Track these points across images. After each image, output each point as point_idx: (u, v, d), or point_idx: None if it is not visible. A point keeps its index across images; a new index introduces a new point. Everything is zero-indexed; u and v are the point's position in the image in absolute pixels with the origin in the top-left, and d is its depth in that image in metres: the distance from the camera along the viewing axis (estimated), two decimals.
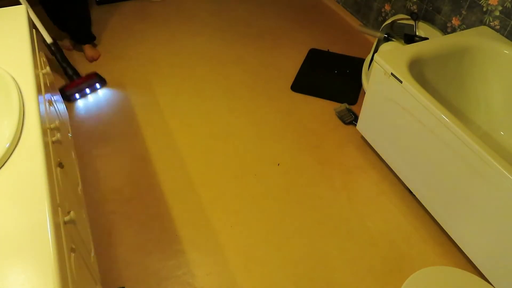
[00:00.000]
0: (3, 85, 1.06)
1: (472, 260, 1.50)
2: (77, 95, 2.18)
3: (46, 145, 0.97)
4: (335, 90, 2.32)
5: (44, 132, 1.00)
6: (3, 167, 0.89)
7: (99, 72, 2.33)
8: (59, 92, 1.95)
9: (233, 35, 2.74)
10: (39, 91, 1.11)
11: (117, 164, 1.88)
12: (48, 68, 1.39)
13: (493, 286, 1.14)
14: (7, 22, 1.32)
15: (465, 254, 1.56)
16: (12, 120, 0.96)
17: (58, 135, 1.12)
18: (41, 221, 0.79)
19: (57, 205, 0.89)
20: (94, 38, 2.51)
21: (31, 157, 0.91)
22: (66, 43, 2.51)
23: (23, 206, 0.81)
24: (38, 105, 1.04)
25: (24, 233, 0.77)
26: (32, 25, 1.38)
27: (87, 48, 2.46)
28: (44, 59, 1.48)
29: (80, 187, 1.56)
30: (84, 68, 2.40)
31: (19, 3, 1.42)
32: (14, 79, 1.08)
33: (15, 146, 0.93)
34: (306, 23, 2.89)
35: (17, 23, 1.32)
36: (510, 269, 1.34)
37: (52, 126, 1.13)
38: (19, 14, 1.36)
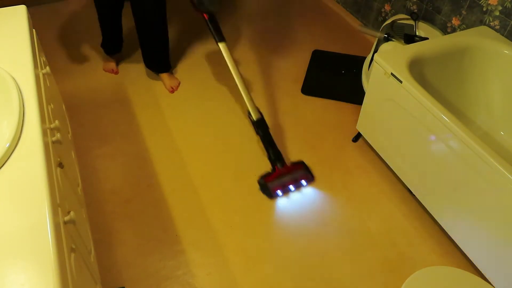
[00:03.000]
0: (3, 85, 1.05)
1: (472, 260, 1.50)
2: (279, 192, 1.76)
3: (46, 145, 0.97)
4: (345, 90, 2.32)
5: (44, 132, 1.00)
6: (3, 167, 0.89)
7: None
8: (259, 180, 1.75)
9: (233, 35, 2.74)
10: (39, 91, 1.11)
11: (117, 164, 1.88)
12: (48, 68, 1.39)
13: (493, 286, 1.14)
14: (7, 22, 1.32)
15: (465, 254, 1.55)
16: (12, 120, 0.96)
17: (58, 135, 1.12)
18: (41, 221, 0.79)
19: (57, 205, 0.89)
20: (170, 66, 2.30)
21: (31, 157, 0.90)
22: (111, 66, 2.31)
23: (23, 206, 0.81)
24: (38, 105, 1.04)
25: (24, 233, 0.77)
26: (32, 25, 1.38)
27: (165, 77, 2.27)
28: (44, 59, 1.48)
29: (80, 187, 1.56)
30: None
31: (19, 3, 1.42)
32: (14, 79, 1.08)
33: (15, 146, 0.93)
34: (306, 23, 2.89)
35: (17, 23, 1.32)
36: (510, 269, 1.34)
37: (52, 126, 1.13)
38: (19, 14, 1.36)
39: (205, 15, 1.73)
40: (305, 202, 1.74)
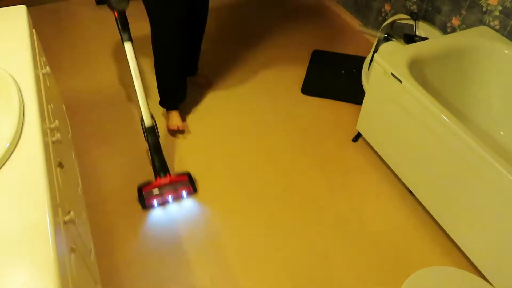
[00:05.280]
0: (3, 85, 1.05)
1: (472, 260, 1.50)
2: (155, 203, 1.71)
3: (46, 145, 0.97)
4: (345, 90, 2.32)
5: (44, 132, 1.00)
6: (3, 167, 0.89)
7: None
8: (137, 188, 1.71)
9: (233, 35, 2.74)
10: (39, 91, 1.11)
11: (117, 164, 1.88)
12: (48, 68, 1.39)
13: (493, 286, 1.14)
14: (7, 22, 1.32)
15: (465, 254, 1.55)
16: (12, 120, 0.96)
17: (58, 135, 1.12)
18: (41, 221, 0.79)
19: (57, 205, 0.89)
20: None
21: (31, 157, 0.90)
22: (176, 121, 2.02)
23: (23, 206, 0.81)
24: (38, 105, 1.04)
25: (24, 233, 0.77)
26: (32, 25, 1.38)
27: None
28: (44, 59, 1.48)
29: (80, 187, 1.56)
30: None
31: (19, 3, 1.42)
32: (14, 79, 1.08)
33: (15, 146, 0.93)
34: (306, 24, 2.89)
35: (17, 23, 1.32)
36: (510, 269, 1.34)
37: (52, 126, 1.13)
38: (19, 14, 1.36)
39: (115, 12, 1.72)
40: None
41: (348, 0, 2.88)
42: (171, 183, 1.73)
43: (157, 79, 1.99)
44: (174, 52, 1.87)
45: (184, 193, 1.74)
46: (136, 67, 1.69)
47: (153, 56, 1.90)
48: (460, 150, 1.38)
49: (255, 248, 1.60)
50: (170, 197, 1.72)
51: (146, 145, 1.96)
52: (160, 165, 1.71)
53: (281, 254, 1.58)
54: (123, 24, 1.73)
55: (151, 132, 1.72)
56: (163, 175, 1.69)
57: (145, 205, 1.69)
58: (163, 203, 1.72)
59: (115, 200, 1.73)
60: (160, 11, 1.75)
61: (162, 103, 2.06)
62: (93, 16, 2.85)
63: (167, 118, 2.05)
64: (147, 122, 1.70)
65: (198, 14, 1.96)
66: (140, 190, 1.72)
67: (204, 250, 1.58)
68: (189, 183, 1.77)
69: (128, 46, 1.70)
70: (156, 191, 1.73)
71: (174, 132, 2.03)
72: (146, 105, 1.69)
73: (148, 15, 1.81)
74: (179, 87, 2.02)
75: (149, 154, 1.74)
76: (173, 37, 1.82)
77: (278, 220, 1.69)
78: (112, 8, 1.72)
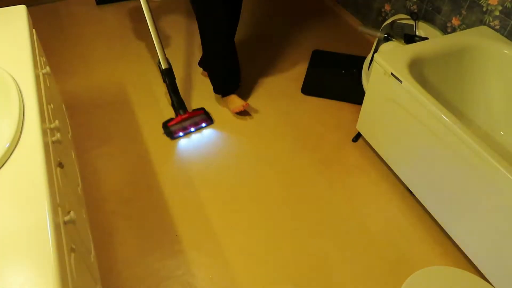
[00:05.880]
0: (3, 85, 1.06)
1: (472, 260, 1.50)
2: (181, 133, 2.01)
3: (46, 145, 0.97)
4: (345, 90, 2.32)
5: (44, 132, 1.00)
6: (3, 167, 0.89)
7: None
8: (163, 125, 1.99)
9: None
10: (39, 91, 1.11)
11: (117, 164, 1.88)
12: (48, 68, 1.39)
13: (493, 286, 1.14)
14: (7, 22, 1.32)
15: (465, 254, 1.55)
16: (12, 120, 0.96)
17: (58, 135, 1.12)
18: (41, 221, 0.79)
19: (57, 205, 0.89)
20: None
21: (31, 157, 0.90)
22: (239, 101, 2.10)
23: (23, 206, 0.81)
24: (38, 105, 1.04)
25: (24, 233, 0.77)
26: (32, 25, 1.38)
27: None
28: (44, 59, 1.48)
29: (80, 187, 1.56)
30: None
31: (19, 3, 1.42)
32: (14, 79, 1.08)
33: (15, 146, 0.93)
34: (306, 24, 2.89)
35: (17, 23, 1.32)
36: (510, 269, 1.34)
37: (52, 126, 1.13)
38: (19, 14, 1.36)
39: None
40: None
41: (348, 0, 2.88)
42: (190, 117, 2.04)
43: (211, 69, 2.16)
44: (226, 40, 2.01)
45: (203, 124, 2.05)
46: (149, 12, 1.80)
47: (203, 49, 2.09)
48: (460, 150, 1.38)
49: (255, 248, 1.60)
50: (192, 128, 2.03)
51: (147, 146, 1.97)
52: (178, 103, 2.02)
53: (281, 254, 1.58)
54: None
55: (169, 74, 1.95)
56: (182, 111, 2.01)
57: (173, 136, 1.98)
58: (187, 133, 2.01)
59: (115, 200, 1.74)
60: (210, 3, 1.86)
61: (218, 90, 2.17)
62: (93, 16, 2.85)
63: (226, 103, 2.16)
64: (164, 65, 1.90)
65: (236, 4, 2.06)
66: (165, 124, 2.01)
67: (204, 250, 1.58)
68: (205, 115, 2.08)
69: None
70: (179, 125, 2.01)
71: (241, 113, 2.14)
72: (161, 49, 1.86)
73: (196, 10, 1.93)
74: (234, 70, 2.13)
75: (168, 94, 2.02)
76: (225, 26, 1.95)
77: (278, 220, 1.69)
78: None
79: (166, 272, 1.51)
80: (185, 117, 2.02)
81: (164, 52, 1.89)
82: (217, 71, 2.12)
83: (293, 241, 1.62)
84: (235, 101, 2.11)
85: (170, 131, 1.99)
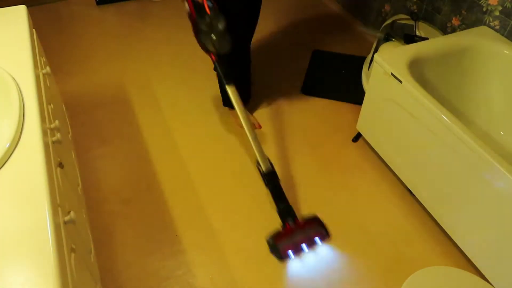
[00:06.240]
0: (3, 85, 1.06)
1: (472, 260, 1.50)
2: (290, 253, 1.52)
3: (46, 145, 0.97)
4: (345, 90, 2.32)
5: (44, 132, 1.00)
6: (3, 167, 0.89)
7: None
8: (268, 240, 1.51)
9: None
10: (39, 91, 1.11)
11: (117, 164, 1.88)
12: (48, 68, 1.39)
13: (493, 286, 1.14)
14: (7, 22, 1.32)
15: (465, 254, 1.55)
16: (12, 120, 0.96)
17: (58, 135, 1.12)
18: (41, 221, 0.79)
19: (57, 205, 0.89)
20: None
21: (31, 157, 0.91)
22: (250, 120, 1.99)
23: (23, 206, 0.81)
24: (38, 105, 1.04)
25: (24, 233, 0.77)
26: (32, 25, 1.38)
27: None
28: (44, 59, 1.48)
29: (80, 187, 1.56)
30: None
31: (19, 3, 1.42)
32: (14, 79, 1.08)
33: (15, 146, 0.93)
34: (306, 24, 2.89)
35: (17, 23, 1.32)
36: (510, 269, 1.34)
37: (52, 126, 1.13)
38: (19, 14, 1.36)
39: (212, 56, 1.53)
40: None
41: (348, 0, 2.88)
42: (302, 229, 1.55)
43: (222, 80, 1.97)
44: (242, 49, 1.87)
45: (317, 239, 1.55)
46: (242, 109, 1.56)
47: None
48: (460, 150, 1.38)
49: (255, 248, 1.60)
50: (304, 245, 1.53)
51: (147, 146, 1.97)
52: (286, 211, 1.57)
53: None
54: (223, 67, 1.56)
55: (271, 178, 1.59)
56: (291, 222, 1.54)
57: (282, 257, 1.51)
58: (298, 252, 1.54)
59: (115, 200, 1.74)
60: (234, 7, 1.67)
61: (228, 103, 2.05)
62: (93, 16, 2.86)
63: (235, 117, 2.06)
64: (264, 166, 1.57)
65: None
66: (272, 242, 1.51)
67: (204, 250, 1.58)
68: (321, 227, 1.56)
69: (230, 89, 1.56)
70: (288, 241, 1.53)
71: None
72: (259, 148, 1.56)
73: None
74: (246, 83, 2.03)
75: (272, 199, 1.60)
76: (241, 33, 1.79)
77: (278, 220, 1.69)
78: (208, 52, 1.51)
79: (166, 272, 1.51)
80: (291, 231, 1.54)
81: (262, 150, 1.58)
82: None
83: None
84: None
85: (278, 249, 1.51)
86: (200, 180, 1.83)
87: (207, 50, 1.52)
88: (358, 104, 2.11)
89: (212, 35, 1.48)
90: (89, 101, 2.20)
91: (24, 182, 0.85)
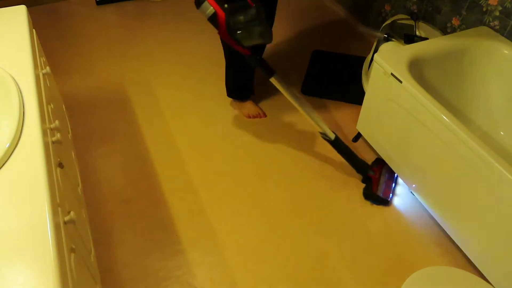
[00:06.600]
0: (3, 85, 1.06)
1: (472, 260, 1.50)
2: (390, 194, 1.79)
3: (46, 145, 0.97)
4: (345, 90, 2.32)
5: (44, 132, 1.00)
6: (3, 167, 0.89)
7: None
8: (368, 195, 1.76)
9: None
10: (39, 91, 1.11)
11: (117, 164, 1.88)
12: (48, 68, 1.39)
13: (493, 286, 1.14)
14: (7, 22, 1.32)
15: (465, 254, 1.55)
16: (12, 120, 0.96)
17: (58, 135, 1.12)
18: (41, 221, 0.79)
19: (57, 205, 0.89)
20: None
21: (31, 157, 0.91)
22: (254, 109, 2.14)
23: (23, 206, 0.81)
24: (38, 105, 1.04)
25: (24, 233, 0.77)
26: (32, 25, 1.38)
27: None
28: (44, 59, 1.48)
29: (80, 187, 1.56)
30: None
31: (19, 3, 1.42)
32: (14, 79, 1.08)
33: (15, 146, 0.93)
34: (306, 24, 2.89)
35: (17, 23, 1.32)
36: (510, 269, 1.34)
37: (52, 126, 1.13)
38: (19, 14, 1.36)
39: (245, 51, 1.50)
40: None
41: (348, 0, 2.88)
42: (381, 172, 1.85)
43: (229, 72, 2.05)
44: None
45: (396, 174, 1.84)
46: (291, 95, 1.65)
47: (224, 52, 1.98)
48: (460, 150, 1.38)
49: (255, 248, 1.60)
50: (392, 184, 1.82)
51: (147, 146, 1.97)
52: (362, 166, 1.82)
53: (281, 254, 1.58)
54: (261, 61, 1.59)
55: (338, 142, 1.77)
56: (371, 172, 1.82)
57: (387, 201, 1.76)
58: (393, 191, 1.81)
59: (115, 200, 1.74)
60: None
61: (233, 95, 2.14)
62: (93, 16, 2.86)
63: (239, 107, 2.16)
64: (331, 135, 1.74)
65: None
66: (371, 194, 1.77)
67: (204, 250, 1.58)
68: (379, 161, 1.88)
69: (274, 80, 1.63)
70: (381, 187, 1.80)
71: (250, 117, 2.13)
72: (318, 122, 1.71)
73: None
74: (242, 80, 2.08)
75: (346, 160, 1.82)
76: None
77: (278, 220, 1.69)
78: (246, 48, 1.49)
79: (166, 272, 1.51)
80: (377, 177, 1.82)
81: (323, 123, 1.73)
82: (239, 76, 2.04)
83: (293, 241, 1.62)
84: (250, 108, 2.12)
85: (381, 198, 1.76)
86: (200, 180, 1.83)
87: (244, 46, 1.47)
88: (358, 104, 2.12)
89: (257, 27, 1.43)
90: (89, 101, 2.20)
91: (24, 182, 0.86)
